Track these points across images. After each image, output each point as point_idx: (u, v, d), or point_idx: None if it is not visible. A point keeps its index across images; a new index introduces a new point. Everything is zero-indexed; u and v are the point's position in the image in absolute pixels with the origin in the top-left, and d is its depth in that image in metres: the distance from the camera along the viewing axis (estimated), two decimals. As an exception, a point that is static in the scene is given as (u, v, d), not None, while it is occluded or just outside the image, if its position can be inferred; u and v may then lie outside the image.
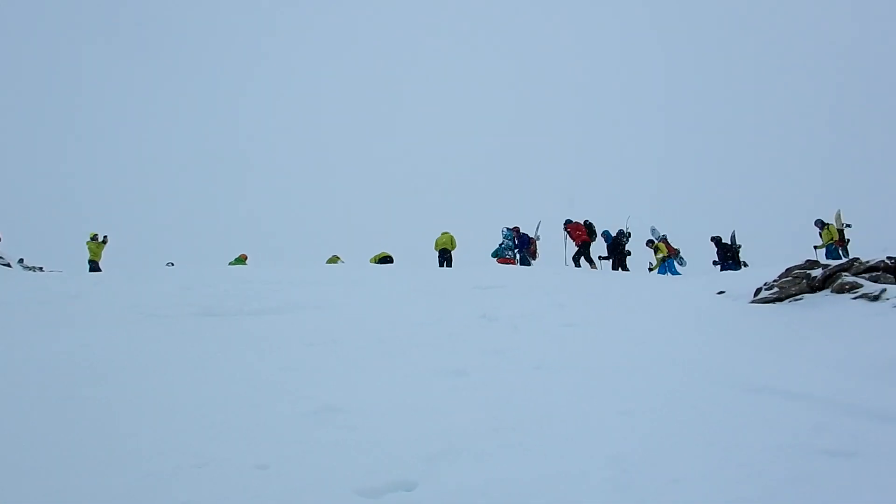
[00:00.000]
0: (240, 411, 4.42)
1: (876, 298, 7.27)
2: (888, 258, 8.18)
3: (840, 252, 16.28)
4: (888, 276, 7.87)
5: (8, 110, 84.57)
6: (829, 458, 3.42)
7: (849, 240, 16.99)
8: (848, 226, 17.17)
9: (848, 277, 7.90)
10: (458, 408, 4.53)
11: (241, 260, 20.43)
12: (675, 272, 17.49)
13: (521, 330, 7.41)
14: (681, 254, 18.31)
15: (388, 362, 5.96)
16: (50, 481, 3.18)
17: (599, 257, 18.06)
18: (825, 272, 8.24)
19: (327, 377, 5.44)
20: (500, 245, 18.75)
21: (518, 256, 18.60)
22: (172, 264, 20.32)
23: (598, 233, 18.17)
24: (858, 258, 8.57)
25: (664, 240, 18.53)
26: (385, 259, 18.88)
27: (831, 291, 7.94)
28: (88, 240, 19.63)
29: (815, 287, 8.19)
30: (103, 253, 19.65)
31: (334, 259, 20.16)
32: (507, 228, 18.99)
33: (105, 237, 19.85)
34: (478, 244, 21.41)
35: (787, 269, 8.69)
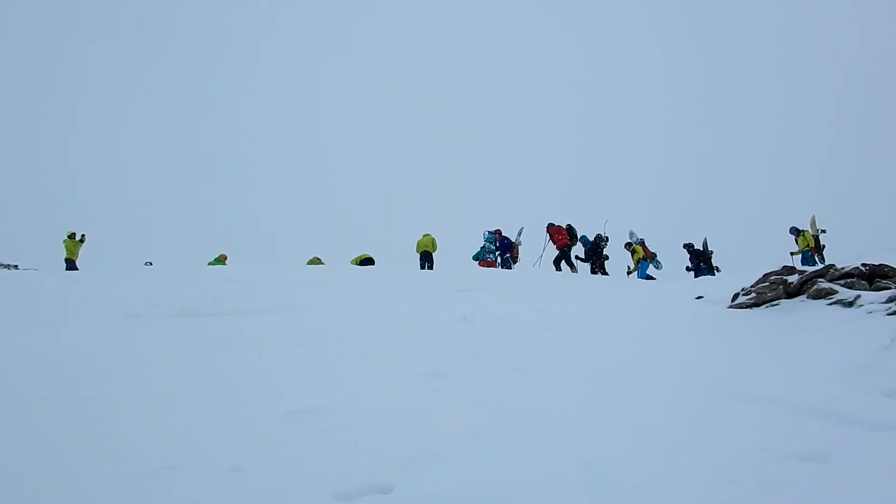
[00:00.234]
0: (214, 413, 4.37)
1: (850, 304, 7.37)
2: (862, 265, 8.29)
3: (816, 258, 16.50)
4: (862, 282, 7.98)
5: (8, 110, 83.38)
6: (801, 463, 3.45)
7: (824, 245, 17.23)
8: (823, 231, 17.41)
9: (823, 284, 8.00)
10: (435, 411, 4.52)
11: (221, 260, 20.22)
12: (644, 275, 17.70)
13: (500, 333, 7.42)
14: (657, 258, 18.51)
15: (366, 364, 5.93)
16: (6, 481, 3.11)
17: (576, 257, 18.19)
18: (801, 278, 8.34)
19: (304, 379, 5.41)
20: (482, 248, 18.78)
21: (500, 260, 18.64)
22: (151, 263, 20.07)
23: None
24: (833, 265, 8.69)
25: (642, 243, 18.73)
26: (366, 261, 18.80)
27: (807, 297, 8.03)
28: (66, 238, 19.31)
29: (791, 293, 8.28)
30: (80, 252, 19.34)
31: (315, 260, 20.04)
32: (489, 231, 19.02)
33: (83, 236, 19.54)
34: (462, 247, 21.39)
35: (764, 275, 8.78)
